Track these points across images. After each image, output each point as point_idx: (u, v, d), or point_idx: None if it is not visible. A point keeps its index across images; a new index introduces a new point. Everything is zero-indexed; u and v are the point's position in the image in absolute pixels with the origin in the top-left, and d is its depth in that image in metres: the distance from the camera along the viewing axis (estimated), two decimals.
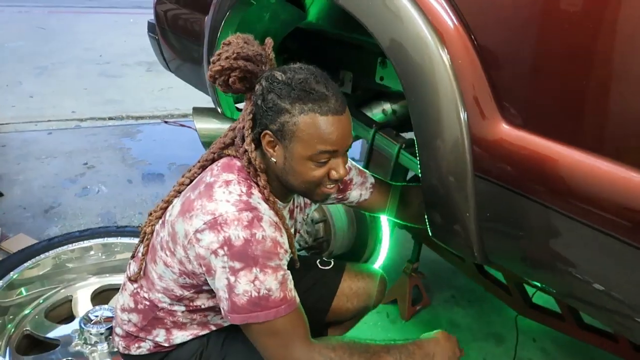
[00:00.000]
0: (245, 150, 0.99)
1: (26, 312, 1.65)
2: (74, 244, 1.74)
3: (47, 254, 1.70)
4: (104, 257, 1.80)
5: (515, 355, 1.53)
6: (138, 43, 6.08)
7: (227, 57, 0.95)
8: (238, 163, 1.01)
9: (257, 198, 0.96)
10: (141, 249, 1.10)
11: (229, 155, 1.04)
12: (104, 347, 1.54)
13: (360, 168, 1.32)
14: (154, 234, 1.08)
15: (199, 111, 2.00)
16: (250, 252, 0.89)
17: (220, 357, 1.11)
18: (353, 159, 1.39)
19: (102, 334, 1.54)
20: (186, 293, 1.04)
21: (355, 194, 1.29)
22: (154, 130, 3.67)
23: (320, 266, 1.36)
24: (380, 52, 1.65)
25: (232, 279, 0.90)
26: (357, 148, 2.59)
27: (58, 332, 1.60)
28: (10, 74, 4.58)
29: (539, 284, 1.08)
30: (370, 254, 1.59)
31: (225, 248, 0.90)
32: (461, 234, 1.08)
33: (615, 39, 0.77)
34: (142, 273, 1.09)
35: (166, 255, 1.01)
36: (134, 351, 1.15)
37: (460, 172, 1.00)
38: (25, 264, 1.65)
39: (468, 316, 2.08)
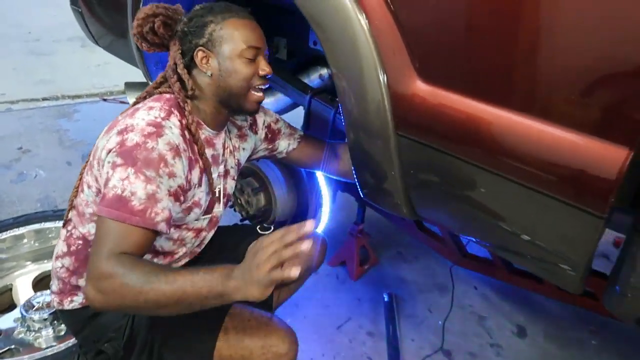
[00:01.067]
0: (179, 77, 1.08)
1: None
2: (6, 232, 1.68)
3: None
4: (36, 244, 1.75)
5: (452, 303, 1.61)
6: (69, 17, 5.72)
7: (149, 7, 1.07)
8: (167, 96, 1.08)
9: (170, 123, 1.02)
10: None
11: (160, 92, 1.11)
12: (49, 332, 1.51)
13: (290, 124, 1.40)
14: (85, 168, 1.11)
15: (131, 86, 1.94)
16: (134, 154, 0.95)
17: (150, 320, 1.11)
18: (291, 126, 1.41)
19: (45, 319, 1.51)
20: None
21: (284, 144, 1.38)
22: (92, 109, 3.53)
23: (260, 232, 1.38)
24: None
25: (110, 172, 0.95)
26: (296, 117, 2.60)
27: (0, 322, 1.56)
28: None
29: (468, 237, 1.14)
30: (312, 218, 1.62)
31: (118, 147, 0.96)
32: (389, 193, 1.12)
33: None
34: (74, 212, 1.12)
35: (89, 176, 1.05)
36: (67, 305, 1.15)
37: (382, 132, 1.02)
38: None
39: (414, 271, 2.17)
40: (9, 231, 1.71)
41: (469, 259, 1.59)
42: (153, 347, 1.11)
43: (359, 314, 1.94)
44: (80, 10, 2.04)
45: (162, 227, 0.97)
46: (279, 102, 2.12)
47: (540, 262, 0.95)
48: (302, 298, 1.98)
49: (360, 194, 1.20)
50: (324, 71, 1.96)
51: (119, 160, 0.95)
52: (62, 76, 4.08)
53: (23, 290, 1.68)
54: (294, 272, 0.83)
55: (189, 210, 1.11)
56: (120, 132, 0.97)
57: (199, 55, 1.08)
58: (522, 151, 0.83)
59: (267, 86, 1.14)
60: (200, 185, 1.11)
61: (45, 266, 1.75)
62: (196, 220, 1.16)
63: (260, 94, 1.12)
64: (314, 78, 1.97)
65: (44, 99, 3.65)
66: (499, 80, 0.85)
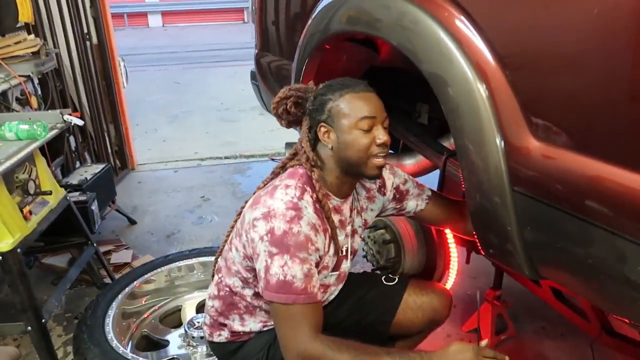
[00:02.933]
0: (305, 152, 1.21)
1: (145, 317, 1.97)
2: (181, 262, 2.06)
3: (160, 269, 2.03)
4: (202, 276, 2.08)
5: None
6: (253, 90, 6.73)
7: (283, 91, 1.24)
8: (300, 171, 1.22)
9: (305, 202, 1.15)
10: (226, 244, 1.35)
11: (293, 165, 1.26)
12: (203, 349, 1.77)
13: (419, 182, 1.45)
14: (234, 228, 1.31)
15: (291, 145, 2.23)
16: (286, 241, 1.09)
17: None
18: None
19: (202, 337, 1.77)
20: (249, 276, 1.24)
21: (412, 204, 1.42)
22: (262, 167, 4.05)
23: (385, 282, 1.47)
24: None
25: (269, 261, 1.10)
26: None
27: (168, 334, 1.87)
28: (148, 122, 5.36)
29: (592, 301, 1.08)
30: (440, 276, 1.65)
31: (269, 235, 1.11)
32: (509, 251, 1.13)
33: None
34: (223, 262, 1.32)
35: (237, 241, 1.24)
36: (215, 338, 1.36)
37: (499, 189, 1.07)
38: (143, 277, 1.98)
39: (559, 349, 2.00)
40: (183, 261, 2.08)
41: (614, 337, 1.43)
42: None
43: None
44: (257, 84, 2.47)
45: (320, 295, 1.14)
46: (420, 164, 2.23)
47: None
48: None
49: (483, 252, 1.22)
50: None
51: (274, 250, 1.10)
52: (242, 139, 4.77)
53: (189, 311, 2.00)
54: None
55: (319, 273, 1.22)
56: (265, 217, 1.12)
57: (321, 130, 1.19)
58: None
59: (385, 154, 1.18)
60: (328, 250, 1.23)
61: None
62: (325, 278, 1.29)
63: (380, 160, 1.18)
64: None
65: (226, 157, 4.30)
66: (618, 140, 0.86)
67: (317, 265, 1.17)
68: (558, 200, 0.96)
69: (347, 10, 1.49)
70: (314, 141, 1.23)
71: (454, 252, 1.63)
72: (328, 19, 1.58)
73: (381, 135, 1.16)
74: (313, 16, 1.70)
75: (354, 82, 1.20)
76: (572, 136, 0.92)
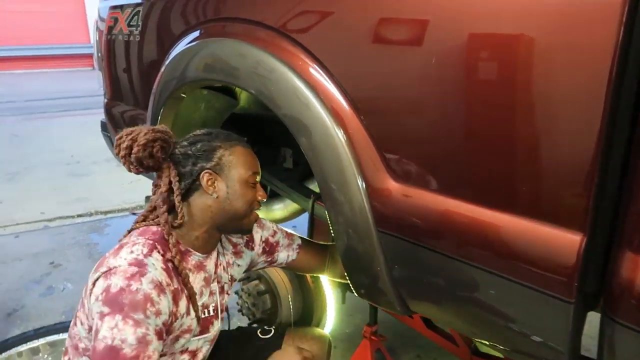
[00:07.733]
0: (169, 205, 1.11)
1: None
2: (24, 345, 1.75)
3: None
4: (50, 358, 1.79)
5: None
6: None
7: (146, 134, 1.08)
8: (154, 228, 1.10)
9: (153, 260, 1.03)
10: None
11: (148, 224, 1.12)
12: None
13: (288, 231, 1.42)
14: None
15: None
16: (120, 299, 0.95)
17: None
18: (294, 227, 1.48)
19: None
20: None
21: (283, 256, 1.39)
22: (122, 223, 3.73)
23: (261, 335, 1.40)
24: None
25: (99, 323, 0.95)
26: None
27: None
28: None
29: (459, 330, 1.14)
30: (319, 321, 1.63)
31: (104, 294, 0.97)
32: (379, 288, 1.15)
33: (470, 116, 0.90)
34: (69, 341, 1.15)
35: (81, 312, 1.08)
36: None
37: (366, 231, 1.09)
38: None
39: None
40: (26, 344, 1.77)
41: (480, 357, 1.54)
42: None
43: None
44: (109, 134, 2.28)
45: None
46: (288, 209, 2.23)
47: (535, 354, 0.95)
48: None
49: (356, 294, 1.23)
50: None
51: (105, 310, 0.95)
52: (97, 194, 4.36)
53: None
54: None
55: (176, 338, 1.11)
56: (105, 275, 0.99)
57: (204, 177, 1.11)
58: (489, 242, 0.88)
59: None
60: (188, 313, 1.11)
61: None
62: (188, 342, 1.16)
63: (256, 214, 1.22)
64: None
65: (79, 216, 3.89)
66: (458, 177, 0.93)
67: (160, 334, 1.01)
68: (418, 237, 1.01)
69: (203, 59, 1.45)
70: (186, 191, 1.13)
71: (330, 294, 1.62)
72: (183, 66, 1.52)
73: (262, 192, 1.19)
74: (166, 63, 1.63)
75: (235, 136, 1.22)
76: (423, 176, 0.98)
